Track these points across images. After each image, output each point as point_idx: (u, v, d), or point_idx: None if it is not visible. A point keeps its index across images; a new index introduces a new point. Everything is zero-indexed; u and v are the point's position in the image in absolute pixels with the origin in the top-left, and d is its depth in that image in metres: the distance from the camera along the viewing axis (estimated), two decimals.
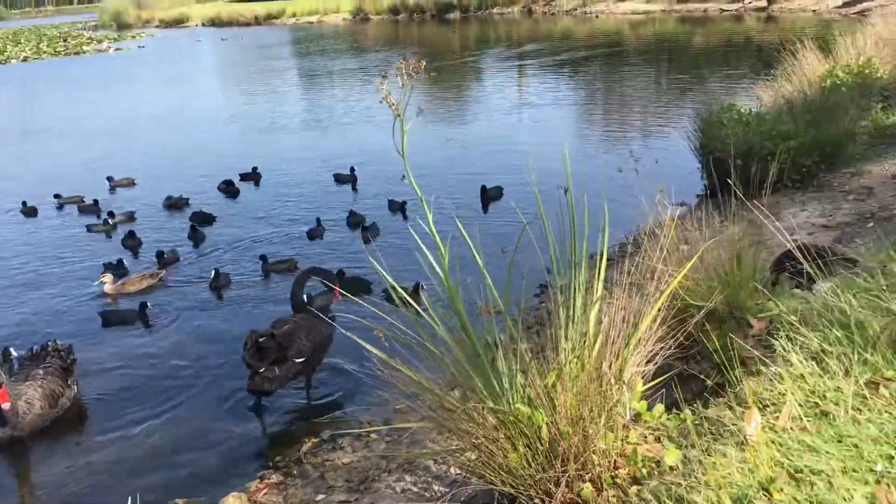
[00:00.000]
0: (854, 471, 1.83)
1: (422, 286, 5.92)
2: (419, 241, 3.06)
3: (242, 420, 5.09)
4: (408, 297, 2.98)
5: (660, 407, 2.91)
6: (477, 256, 2.96)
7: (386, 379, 2.98)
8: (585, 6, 35.71)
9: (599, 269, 3.01)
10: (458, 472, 3.45)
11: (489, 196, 8.79)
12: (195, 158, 13.18)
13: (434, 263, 2.96)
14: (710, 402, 2.85)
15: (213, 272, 7.26)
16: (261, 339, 4.93)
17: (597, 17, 33.82)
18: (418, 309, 2.95)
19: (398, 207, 8.71)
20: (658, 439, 2.82)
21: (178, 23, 57.13)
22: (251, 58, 31.29)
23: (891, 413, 2.01)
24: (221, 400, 5.33)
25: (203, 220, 9.10)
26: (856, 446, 1.91)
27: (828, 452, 1.90)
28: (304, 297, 5.76)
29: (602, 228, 3.11)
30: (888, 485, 1.79)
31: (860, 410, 2.05)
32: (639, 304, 3.12)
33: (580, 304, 2.93)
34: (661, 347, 3.11)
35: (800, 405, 2.17)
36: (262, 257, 7.55)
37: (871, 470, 1.82)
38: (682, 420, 2.78)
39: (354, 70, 23.86)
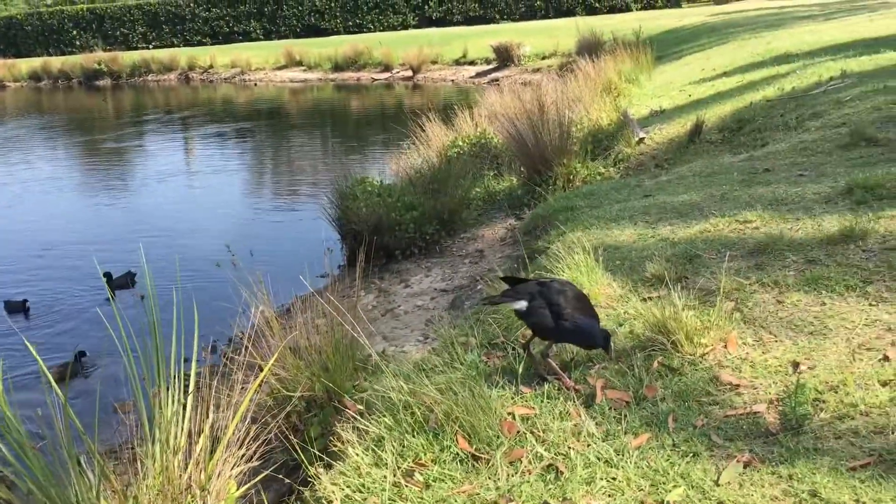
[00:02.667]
0: None
1: (84, 353, 5.85)
2: None
3: None
4: None
5: None
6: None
7: None
8: (244, 74, 35.79)
9: (186, 376, 2.96)
10: None
11: (116, 284, 8.13)
12: None
13: None
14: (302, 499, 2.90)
15: None
16: None
17: (255, 84, 34.02)
18: None
19: (19, 307, 7.80)
20: None
21: None
22: None
23: (423, 499, 2.17)
24: None
25: None
26: None
27: None
28: None
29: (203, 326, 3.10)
30: None
31: (395, 501, 2.19)
32: (229, 403, 3.10)
33: (166, 415, 2.84)
34: (261, 443, 3.12)
35: (349, 501, 2.27)
36: None
37: None
38: None
39: None
